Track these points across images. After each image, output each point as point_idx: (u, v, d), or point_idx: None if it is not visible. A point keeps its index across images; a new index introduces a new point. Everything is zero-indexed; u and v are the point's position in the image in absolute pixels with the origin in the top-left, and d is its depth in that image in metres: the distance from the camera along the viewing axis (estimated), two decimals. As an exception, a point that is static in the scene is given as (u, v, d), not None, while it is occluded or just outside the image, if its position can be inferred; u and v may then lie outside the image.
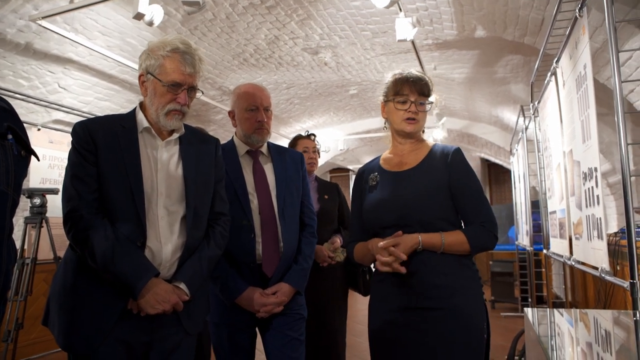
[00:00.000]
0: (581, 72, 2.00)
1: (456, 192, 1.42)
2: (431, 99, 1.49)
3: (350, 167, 9.81)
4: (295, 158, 1.87)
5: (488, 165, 9.99)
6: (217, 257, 1.47)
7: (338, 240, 2.37)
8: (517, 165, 5.41)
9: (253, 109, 1.73)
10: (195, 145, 1.49)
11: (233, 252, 1.64)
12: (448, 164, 1.44)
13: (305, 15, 3.85)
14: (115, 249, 1.27)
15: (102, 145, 1.35)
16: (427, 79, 1.50)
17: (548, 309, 1.96)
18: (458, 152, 1.47)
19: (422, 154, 1.49)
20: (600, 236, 1.76)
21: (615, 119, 1.44)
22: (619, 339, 1.31)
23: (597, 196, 1.77)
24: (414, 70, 1.52)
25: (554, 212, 2.92)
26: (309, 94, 5.88)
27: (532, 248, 4.44)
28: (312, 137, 2.61)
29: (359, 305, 6.62)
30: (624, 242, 3.77)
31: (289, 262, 1.70)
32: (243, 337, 1.68)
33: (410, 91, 1.45)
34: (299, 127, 7.05)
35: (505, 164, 8.23)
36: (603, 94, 3.55)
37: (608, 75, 3.40)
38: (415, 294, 1.38)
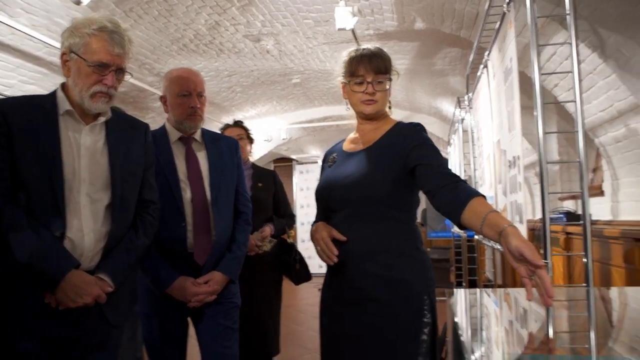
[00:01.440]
0: (508, 65, 2.10)
1: (418, 164, 1.30)
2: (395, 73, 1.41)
3: (294, 156, 9.81)
4: (230, 145, 1.84)
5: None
6: (145, 246, 1.43)
7: (268, 230, 2.37)
8: (454, 155, 5.61)
9: (185, 94, 1.68)
10: (123, 130, 1.43)
11: (164, 241, 1.60)
12: (407, 139, 1.35)
13: (246, 1, 3.78)
14: (31, 240, 1.20)
15: (17, 127, 1.26)
16: (383, 54, 1.41)
17: (463, 289, 2.05)
18: (418, 126, 1.40)
19: (381, 133, 1.42)
20: (521, 220, 1.86)
21: (535, 109, 1.53)
22: (533, 313, 1.40)
23: (519, 183, 1.87)
24: (370, 45, 1.43)
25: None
26: (251, 82, 5.80)
27: (465, 234, 4.63)
28: (240, 125, 2.57)
29: (301, 294, 6.67)
30: (555, 227, 4.00)
31: (222, 250, 1.68)
32: (175, 327, 1.65)
33: (365, 71, 1.36)
34: (241, 116, 6.95)
35: (444, 154, 8.52)
36: (531, 87, 3.73)
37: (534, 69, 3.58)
38: (354, 286, 1.36)
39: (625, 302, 1.56)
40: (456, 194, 1.19)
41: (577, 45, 1.60)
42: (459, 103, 4.57)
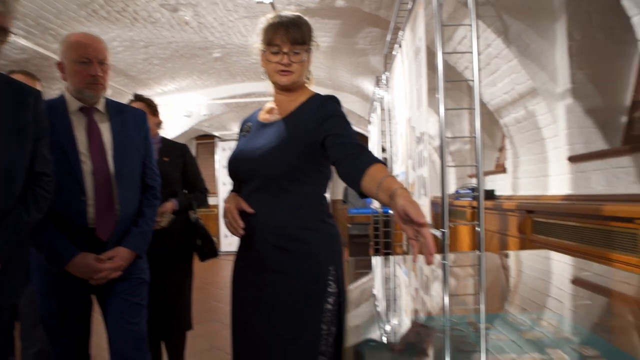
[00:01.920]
0: (418, 44, 2.18)
1: (327, 135, 1.30)
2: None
3: (216, 133, 9.59)
4: (137, 117, 1.76)
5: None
6: (36, 221, 1.34)
7: (169, 205, 2.31)
8: (373, 134, 5.77)
9: (85, 61, 1.58)
10: (8, 97, 1.32)
11: (61, 216, 1.51)
12: (319, 111, 1.34)
13: (160, -34, 3.60)
14: None
15: None
16: (302, 23, 1.36)
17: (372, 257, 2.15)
18: (332, 98, 1.39)
19: (297, 104, 1.40)
20: (425, 194, 1.97)
21: (437, 87, 1.61)
22: (432, 278, 1.50)
23: (425, 158, 1.97)
24: (290, 12, 1.38)
25: (398, 175, 3.19)
26: (170, 54, 5.56)
27: (382, 210, 4.82)
28: (141, 98, 2.47)
29: (223, 271, 6.63)
30: (458, 202, 4.26)
31: (127, 225, 1.62)
32: (75, 305, 1.58)
33: (282, 41, 1.33)
34: (159, 90, 6.67)
35: (365, 133, 8.74)
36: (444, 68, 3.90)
37: (445, 49, 3.75)
38: (261, 257, 1.36)
39: (508, 265, 1.71)
40: (357, 162, 1.20)
41: (477, 27, 1.69)
42: (377, 82, 4.69)
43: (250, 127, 1.47)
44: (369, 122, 6.50)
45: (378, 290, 1.47)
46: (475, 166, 1.59)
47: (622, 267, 1.83)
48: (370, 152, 1.26)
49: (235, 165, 1.42)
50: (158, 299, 2.09)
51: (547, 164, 3.42)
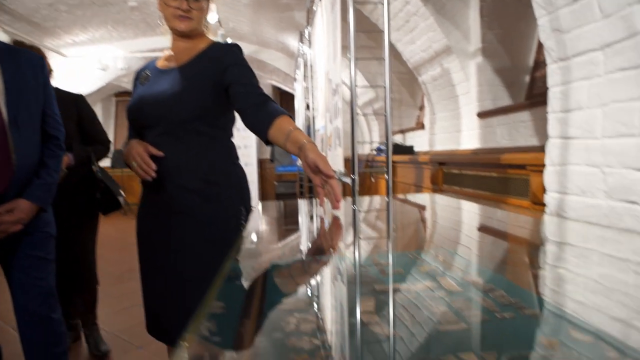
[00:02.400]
0: (335, -4, 2.18)
1: (231, 83, 1.32)
2: None
3: (137, 90, 9.13)
4: (33, 61, 1.63)
5: (280, 93, 10.41)
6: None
7: (64, 159, 2.20)
8: (299, 91, 5.76)
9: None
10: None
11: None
12: (222, 59, 1.35)
13: None
14: None
15: None
16: None
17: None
18: (234, 46, 1.39)
19: (196, 51, 1.40)
20: (340, 144, 2.02)
21: (349, 39, 1.63)
22: (342, 220, 1.57)
23: (339, 109, 2.01)
24: None
25: (318, 129, 3.23)
26: (79, 0, 5.14)
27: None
28: (24, 45, 2.27)
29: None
30: (379, 157, 4.41)
31: (27, 176, 1.53)
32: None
33: None
34: (69, 40, 6.18)
35: (291, 91, 8.69)
36: (370, 27, 3.94)
37: (371, 8, 3.79)
38: (169, 200, 1.37)
39: (412, 209, 1.83)
40: (264, 112, 1.25)
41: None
42: (301, 37, 4.64)
43: (148, 75, 1.45)
44: (295, 80, 6.46)
45: (287, 232, 1.51)
46: (384, 115, 1.65)
47: (518, 210, 2.02)
48: (274, 102, 1.31)
49: (137, 111, 1.39)
50: (60, 255, 2.01)
51: (460, 120, 3.61)
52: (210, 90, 1.34)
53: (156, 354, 2.38)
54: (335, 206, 1.12)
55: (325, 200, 1.15)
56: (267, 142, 1.25)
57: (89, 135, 2.33)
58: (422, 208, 2.02)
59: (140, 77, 1.46)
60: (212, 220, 1.36)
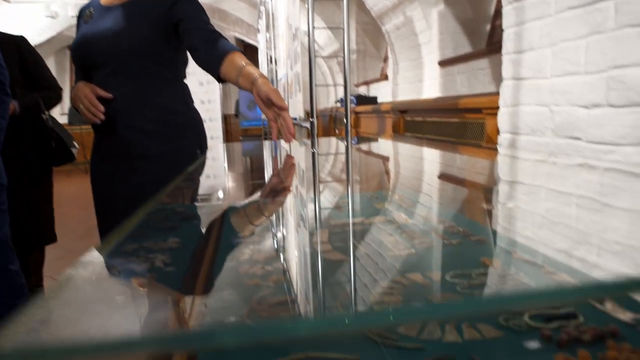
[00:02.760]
0: (293, -64, 2.10)
1: (180, 19, 1.29)
2: None
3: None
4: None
5: (244, 46, 10.13)
6: None
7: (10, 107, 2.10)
8: (262, 43, 5.62)
9: None
10: None
11: None
12: None
13: None
14: None
15: None
16: None
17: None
18: None
19: None
20: (300, 89, 2.01)
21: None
22: (303, 164, 1.59)
23: (298, 53, 1.99)
24: None
25: (281, 78, 3.19)
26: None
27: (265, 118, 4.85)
28: None
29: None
30: (342, 109, 4.40)
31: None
32: None
33: None
34: (14, -13, 5.78)
35: (255, 43, 8.47)
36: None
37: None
38: (123, 144, 1.34)
39: (372, 151, 1.86)
40: (216, 49, 1.23)
41: None
42: (263, -15, 4.49)
43: (92, 12, 1.38)
44: (258, 31, 6.29)
45: (248, 170, 1.53)
46: (342, 56, 1.64)
47: (473, 152, 2.08)
48: (226, 39, 1.29)
49: (83, 50, 1.33)
50: (13, 209, 1.94)
51: (422, 70, 3.63)
52: (157, 26, 1.30)
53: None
54: (288, 139, 1.13)
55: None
56: (220, 79, 1.24)
57: (36, 81, 2.21)
58: (382, 153, 2.06)
59: (83, 15, 1.40)
60: (169, 163, 1.35)
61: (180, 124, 1.37)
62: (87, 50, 1.32)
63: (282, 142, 2.21)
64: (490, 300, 0.51)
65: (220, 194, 1.26)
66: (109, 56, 1.29)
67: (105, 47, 1.29)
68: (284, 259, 0.95)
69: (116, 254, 0.86)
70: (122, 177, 1.34)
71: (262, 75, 1.14)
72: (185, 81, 1.47)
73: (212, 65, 1.22)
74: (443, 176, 1.74)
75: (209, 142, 1.58)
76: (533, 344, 0.59)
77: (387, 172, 1.71)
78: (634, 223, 1.24)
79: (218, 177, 1.52)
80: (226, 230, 1.21)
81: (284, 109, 1.10)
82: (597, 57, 1.28)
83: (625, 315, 0.66)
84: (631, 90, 1.16)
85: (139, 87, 1.32)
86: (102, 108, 1.28)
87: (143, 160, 1.33)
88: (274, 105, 1.10)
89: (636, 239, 1.26)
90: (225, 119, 8.67)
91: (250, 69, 1.17)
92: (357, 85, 5.44)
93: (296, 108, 2.13)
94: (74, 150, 2.23)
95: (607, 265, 0.80)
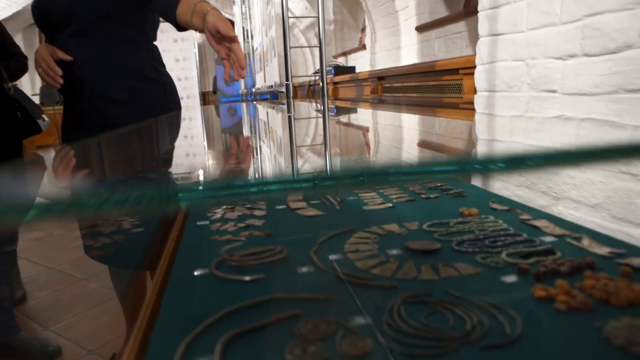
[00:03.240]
0: None
1: None
2: None
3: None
4: None
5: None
6: None
7: None
8: (237, 16, 5.50)
9: None
10: None
11: None
12: None
13: None
14: None
15: None
16: None
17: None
18: None
19: None
20: (275, 54, 1.96)
21: None
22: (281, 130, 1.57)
23: (272, 16, 1.93)
24: None
25: (257, 48, 3.12)
26: None
27: (247, 89, 4.78)
28: None
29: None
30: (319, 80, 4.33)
31: None
32: None
33: None
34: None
35: (231, 17, 8.29)
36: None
37: None
38: (93, 113, 1.29)
39: (350, 116, 1.83)
40: None
41: None
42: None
43: None
44: (233, 3, 6.14)
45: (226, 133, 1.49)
46: (316, 17, 1.60)
47: (451, 114, 2.07)
48: None
49: (41, 8, 1.27)
50: None
51: (399, 37, 3.58)
52: None
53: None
54: (240, 74, 1.08)
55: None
56: (178, 25, 1.17)
57: None
58: (359, 119, 2.04)
59: None
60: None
61: (150, 91, 1.32)
62: (46, 8, 1.25)
63: (260, 109, 2.16)
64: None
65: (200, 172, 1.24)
66: (68, 16, 1.23)
67: (64, 5, 1.22)
68: (256, 216, 0.92)
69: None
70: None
71: (213, 8, 1.08)
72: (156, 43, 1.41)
73: (169, 11, 1.15)
74: (421, 137, 1.72)
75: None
76: (510, 278, 0.58)
77: (365, 137, 1.69)
78: (609, 175, 1.24)
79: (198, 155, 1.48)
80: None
81: (234, 39, 1.03)
82: (572, 6, 1.26)
83: (602, 250, 0.66)
84: (605, 36, 1.14)
85: (104, 50, 1.26)
86: (59, 71, 1.22)
87: (112, 129, 1.29)
88: (222, 38, 1.04)
89: (611, 190, 1.26)
90: (203, 96, 8.53)
91: (203, 4, 1.09)
92: (335, 57, 5.37)
93: (272, 74, 2.08)
94: (43, 124, 2.15)
95: (583, 218, 0.80)
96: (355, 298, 0.54)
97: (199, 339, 0.47)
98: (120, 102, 1.29)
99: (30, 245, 2.68)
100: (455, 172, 0.37)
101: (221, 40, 1.03)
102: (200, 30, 1.08)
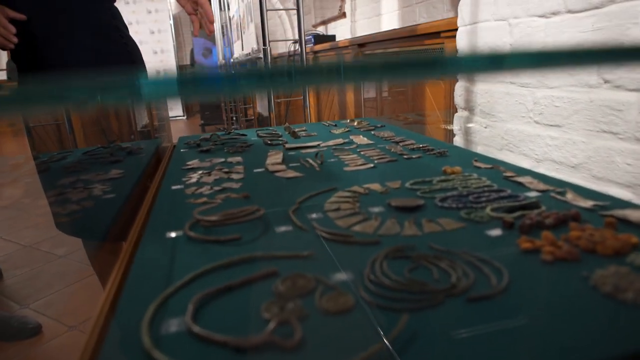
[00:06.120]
0: None
1: None
2: None
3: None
4: None
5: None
6: None
7: None
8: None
9: None
10: None
11: None
12: None
13: None
14: None
15: None
16: None
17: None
18: None
19: None
20: (252, 20, 1.89)
21: None
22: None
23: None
24: None
25: (233, 16, 3.02)
26: None
27: (225, 61, 4.66)
28: None
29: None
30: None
31: None
32: None
33: None
34: None
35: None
36: None
37: None
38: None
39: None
40: None
41: None
42: None
43: None
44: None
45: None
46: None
47: (432, 82, 2.03)
48: None
49: None
50: None
51: (379, 3, 3.50)
52: None
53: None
54: (208, 28, 1.05)
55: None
56: None
57: None
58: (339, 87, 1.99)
59: None
60: None
61: (114, 52, 1.25)
62: None
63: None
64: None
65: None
66: None
67: None
68: (235, 181, 0.89)
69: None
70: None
71: None
72: (130, 23, 1.33)
73: None
74: (402, 102, 1.69)
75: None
76: (495, 232, 0.56)
77: (347, 102, 1.65)
78: (589, 135, 1.23)
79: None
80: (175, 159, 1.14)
81: None
82: (555, -39, 1.22)
83: (586, 203, 0.64)
84: (590, -9, 1.12)
85: (59, 7, 1.18)
86: (13, 29, 1.14)
87: None
88: None
89: (591, 149, 1.25)
90: (181, 69, 8.31)
91: None
92: (315, 26, 5.25)
93: (249, 41, 2.01)
94: None
95: (565, 180, 0.79)
96: (332, 256, 0.51)
97: (171, 301, 0.44)
98: (81, 63, 1.21)
99: (5, 224, 2.61)
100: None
101: None
102: None
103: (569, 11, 1.20)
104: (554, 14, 1.25)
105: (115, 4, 1.33)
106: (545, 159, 1.36)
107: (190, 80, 0.25)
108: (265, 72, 0.27)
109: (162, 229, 0.63)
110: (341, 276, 0.47)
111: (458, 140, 1.64)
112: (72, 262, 2.32)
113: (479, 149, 1.59)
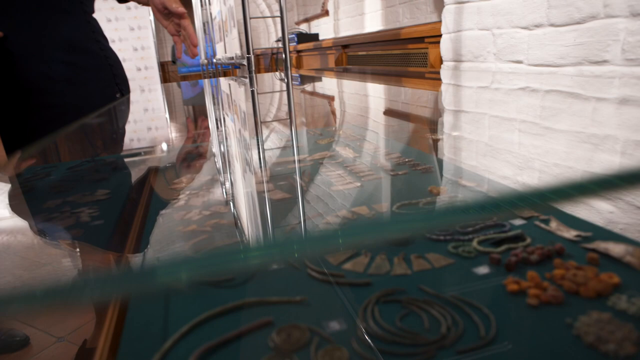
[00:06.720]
0: None
1: None
2: None
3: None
4: None
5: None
6: None
7: None
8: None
9: None
10: None
11: None
12: None
13: None
14: None
15: None
16: None
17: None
18: None
19: None
20: (234, 25, 1.88)
21: None
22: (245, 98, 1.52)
23: (230, -14, 1.84)
24: None
25: (215, 17, 2.99)
26: None
27: (207, 60, 4.62)
28: None
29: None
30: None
31: None
32: None
33: None
34: None
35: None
36: None
37: None
38: (32, 92, 1.19)
39: (315, 89, 1.79)
40: None
41: None
42: None
43: None
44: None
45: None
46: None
47: (416, 84, 2.05)
48: None
49: None
50: None
51: (362, 2, 3.50)
52: None
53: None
54: (192, 51, 1.04)
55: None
56: None
57: None
58: (325, 90, 1.99)
59: None
60: (84, 110, 1.22)
61: (94, 67, 1.23)
62: None
63: (222, 82, 2.09)
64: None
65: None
66: None
67: None
68: (226, 203, 0.89)
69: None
70: (30, 131, 1.21)
71: None
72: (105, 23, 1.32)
73: None
74: (387, 110, 1.70)
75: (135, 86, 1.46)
76: (483, 270, 0.58)
77: (331, 108, 1.66)
78: (572, 144, 1.25)
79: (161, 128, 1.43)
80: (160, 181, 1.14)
81: (182, 14, 1.00)
82: (537, -25, 1.24)
83: (569, 233, 0.66)
84: (571, 6, 1.13)
85: (35, 22, 1.15)
86: None
87: (50, 110, 1.20)
88: (171, 14, 1.00)
89: (573, 159, 1.28)
90: (162, 66, 8.23)
91: None
92: (298, 24, 5.23)
93: (232, 46, 2.00)
94: None
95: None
96: (324, 301, 0.52)
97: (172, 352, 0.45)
98: (54, 78, 1.18)
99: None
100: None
101: (169, 15, 0.98)
102: (144, 3, 1.02)
103: (552, 24, 1.22)
104: (537, 26, 1.27)
105: (94, 15, 1.32)
106: (527, 167, 1.39)
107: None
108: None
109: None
110: (334, 325, 0.47)
111: (443, 146, 1.66)
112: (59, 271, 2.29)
113: (463, 154, 1.61)
